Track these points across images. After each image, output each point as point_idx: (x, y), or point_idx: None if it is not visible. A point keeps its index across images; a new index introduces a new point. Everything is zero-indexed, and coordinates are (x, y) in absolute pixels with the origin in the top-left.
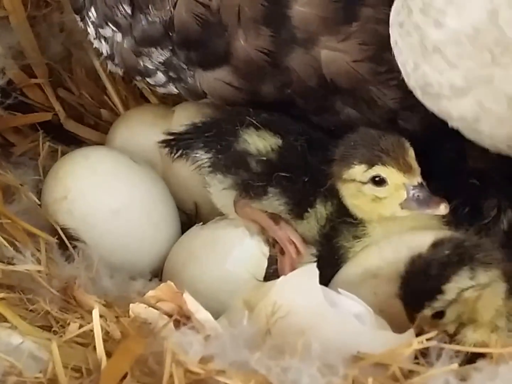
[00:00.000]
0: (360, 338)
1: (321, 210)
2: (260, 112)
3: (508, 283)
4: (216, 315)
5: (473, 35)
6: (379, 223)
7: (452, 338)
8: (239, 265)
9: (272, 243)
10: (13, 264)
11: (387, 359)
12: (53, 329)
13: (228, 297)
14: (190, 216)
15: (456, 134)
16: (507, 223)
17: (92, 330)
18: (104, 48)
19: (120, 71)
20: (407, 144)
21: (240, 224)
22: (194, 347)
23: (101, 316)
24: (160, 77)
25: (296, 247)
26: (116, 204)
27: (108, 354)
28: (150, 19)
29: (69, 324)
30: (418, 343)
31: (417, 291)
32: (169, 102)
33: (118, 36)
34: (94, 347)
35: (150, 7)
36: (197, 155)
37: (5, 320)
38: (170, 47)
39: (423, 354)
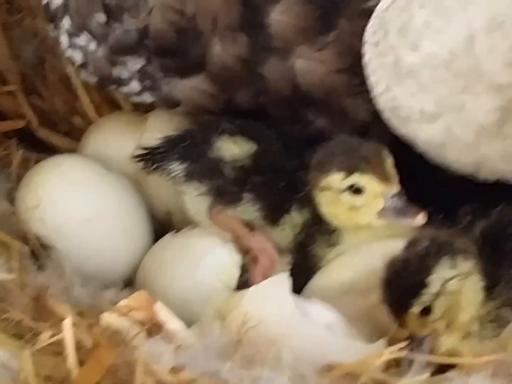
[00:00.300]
0: (332, 348)
1: (296, 217)
2: (235, 118)
3: (485, 286)
4: (189, 324)
5: (449, 60)
6: (355, 231)
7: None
8: (211, 273)
9: (246, 251)
10: None
11: (358, 369)
12: (25, 338)
13: (200, 306)
14: (163, 224)
15: None
16: (479, 230)
17: (64, 339)
18: (78, 57)
19: (94, 80)
20: (386, 152)
21: (213, 232)
22: (165, 357)
23: (73, 325)
24: (135, 85)
25: (269, 255)
26: (89, 213)
27: (80, 363)
28: (125, 27)
29: (41, 333)
30: (388, 353)
31: (400, 290)
32: (143, 109)
33: (92, 45)
34: (66, 356)
35: (125, 15)
36: (172, 167)
37: None
38: (146, 55)
39: (396, 364)
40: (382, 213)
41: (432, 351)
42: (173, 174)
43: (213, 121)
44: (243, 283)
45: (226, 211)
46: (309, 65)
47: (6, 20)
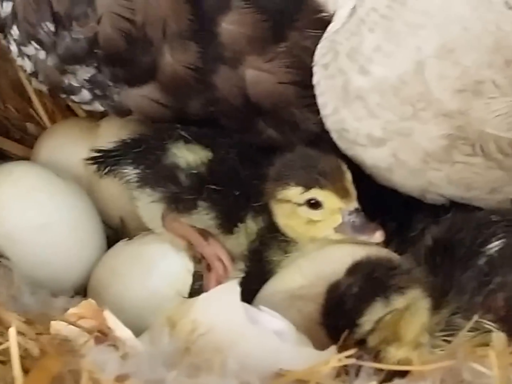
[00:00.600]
0: (281, 355)
1: (251, 225)
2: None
3: (432, 298)
4: (141, 332)
5: (398, 86)
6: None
7: (375, 355)
8: (164, 281)
9: (200, 258)
10: None
11: (306, 376)
12: None
13: (152, 314)
14: (116, 232)
15: None
16: (431, 238)
17: (9, 348)
18: (28, 65)
19: (44, 88)
20: (345, 167)
21: (165, 239)
22: (110, 365)
23: (20, 333)
24: (85, 94)
25: (223, 263)
26: (40, 220)
27: (26, 372)
28: (74, 36)
29: None
30: (337, 361)
31: (335, 323)
32: (97, 115)
33: (42, 54)
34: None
35: (73, 24)
36: (125, 171)
37: None
38: (95, 64)
39: (346, 371)
40: (339, 228)
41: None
42: (126, 179)
43: (169, 128)
44: (197, 291)
45: (180, 218)
46: (259, 75)
47: None
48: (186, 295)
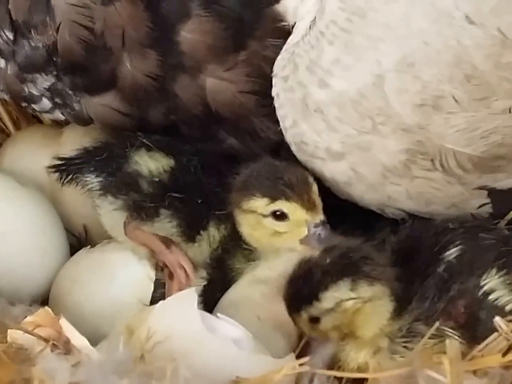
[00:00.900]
0: (238, 363)
1: (214, 233)
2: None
3: (397, 302)
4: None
5: (357, 99)
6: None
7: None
8: (125, 289)
9: (162, 266)
10: None
11: None
12: None
13: (114, 322)
14: (79, 239)
15: None
16: (390, 248)
17: None
18: None
19: (6, 97)
20: (311, 179)
21: (127, 247)
22: (61, 374)
23: None
24: (46, 103)
25: (185, 271)
26: (1, 228)
27: None
28: (33, 44)
29: None
30: (291, 368)
31: (296, 294)
32: (62, 122)
33: (1, 63)
34: None
35: (32, 32)
36: (87, 179)
37: None
38: (55, 73)
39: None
40: (304, 240)
41: (328, 362)
42: (88, 187)
43: (131, 135)
44: (158, 299)
45: (142, 226)
46: (219, 84)
47: None
48: (148, 303)
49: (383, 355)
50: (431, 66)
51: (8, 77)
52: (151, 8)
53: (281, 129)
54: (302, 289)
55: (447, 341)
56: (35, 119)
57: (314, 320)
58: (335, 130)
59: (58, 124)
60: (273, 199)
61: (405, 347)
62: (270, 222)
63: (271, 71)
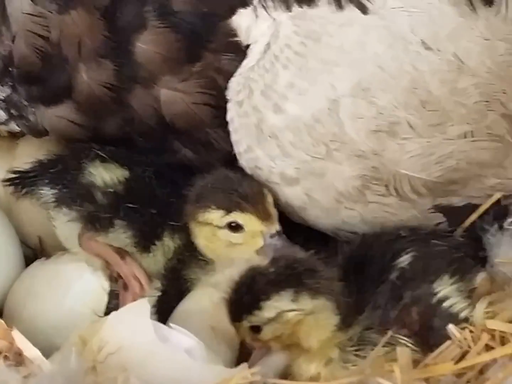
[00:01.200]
0: (191, 373)
1: (168, 243)
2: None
3: (341, 316)
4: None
5: (312, 125)
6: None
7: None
8: (80, 300)
9: (116, 277)
10: None
11: None
12: None
13: (68, 334)
14: (35, 251)
15: None
16: (343, 257)
17: None
18: None
19: None
20: (266, 191)
21: (82, 259)
22: None
23: None
24: (1, 114)
25: (140, 282)
26: None
27: None
28: None
29: None
30: (241, 378)
31: (238, 302)
32: (17, 134)
33: None
34: None
35: None
36: (42, 191)
37: None
38: (11, 83)
39: None
40: (261, 251)
41: (279, 372)
42: (43, 199)
43: (85, 147)
44: (112, 310)
45: (97, 237)
46: (174, 95)
47: None
48: (102, 314)
49: (335, 365)
50: (387, 92)
51: None
52: (107, 18)
53: None
54: (244, 297)
55: (398, 349)
56: None
57: (255, 329)
58: (290, 155)
59: (14, 136)
60: (228, 210)
61: (357, 356)
62: (226, 233)
63: (225, 83)
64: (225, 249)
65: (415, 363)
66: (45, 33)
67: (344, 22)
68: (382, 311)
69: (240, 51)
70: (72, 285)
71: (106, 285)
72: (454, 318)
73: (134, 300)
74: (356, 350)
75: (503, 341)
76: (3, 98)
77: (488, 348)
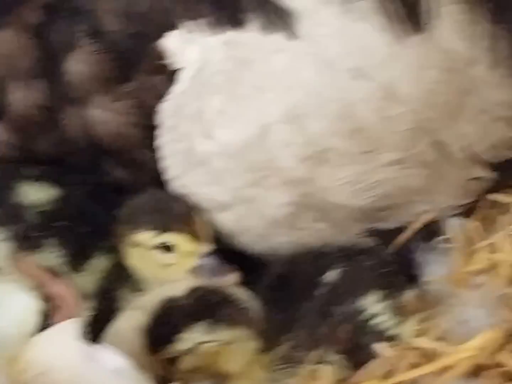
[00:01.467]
0: None
1: (100, 263)
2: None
3: (265, 338)
4: None
5: (241, 151)
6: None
7: None
8: (11, 321)
9: (48, 297)
10: None
11: None
12: None
13: None
14: None
15: None
16: (270, 275)
17: None
18: None
19: None
20: (197, 211)
21: (13, 279)
22: None
23: None
24: None
25: (72, 302)
26: None
27: None
28: None
29: None
30: None
31: (155, 334)
32: None
33: None
34: None
35: None
36: None
37: None
38: None
39: None
40: (193, 271)
41: None
42: None
43: (15, 166)
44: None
45: (28, 257)
46: (105, 115)
47: None
48: (34, 335)
49: None
50: (317, 119)
51: None
52: (39, 37)
53: None
54: (161, 329)
55: (322, 366)
56: None
57: (172, 360)
58: (220, 182)
59: None
60: (159, 231)
61: (285, 374)
62: (157, 254)
63: (156, 104)
64: (158, 269)
65: (343, 381)
66: None
67: (275, 48)
68: (310, 329)
69: (171, 73)
70: (4, 305)
71: (38, 305)
72: (383, 336)
73: (66, 320)
74: (284, 369)
75: (430, 359)
76: None
77: (415, 365)
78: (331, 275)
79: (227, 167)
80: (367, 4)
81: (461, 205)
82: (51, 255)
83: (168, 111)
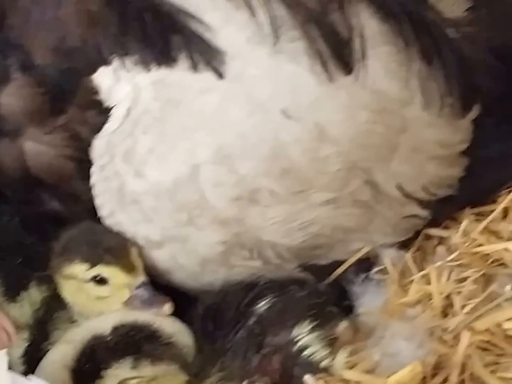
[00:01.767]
0: None
1: (35, 293)
2: None
3: (193, 371)
4: None
5: (172, 191)
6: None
7: None
8: None
9: None
10: None
11: None
12: None
13: None
14: None
15: None
16: (201, 306)
17: None
18: None
19: None
20: (130, 243)
21: None
22: None
23: None
24: None
25: (6, 332)
26: None
27: None
28: None
29: None
30: None
31: (81, 371)
32: None
33: None
34: None
35: None
36: None
37: None
38: None
39: None
40: (128, 303)
41: None
42: None
43: None
44: None
45: None
46: (39, 148)
47: None
48: None
49: None
50: (247, 159)
51: None
52: None
53: None
54: (86, 366)
55: None
56: None
57: None
58: (152, 221)
59: None
60: (93, 264)
61: None
62: (91, 287)
63: (90, 137)
64: (92, 302)
65: None
66: None
67: (204, 88)
68: (242, 360)
69: (103, 108)
70: None
71: None
72: (315, 367)
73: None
74: None
75: None
76: None
77: None
78: (261, 305)
79: (158, 206)
80: (298, 45)
81: (397, 242)
82: None
83: (100, 149)
